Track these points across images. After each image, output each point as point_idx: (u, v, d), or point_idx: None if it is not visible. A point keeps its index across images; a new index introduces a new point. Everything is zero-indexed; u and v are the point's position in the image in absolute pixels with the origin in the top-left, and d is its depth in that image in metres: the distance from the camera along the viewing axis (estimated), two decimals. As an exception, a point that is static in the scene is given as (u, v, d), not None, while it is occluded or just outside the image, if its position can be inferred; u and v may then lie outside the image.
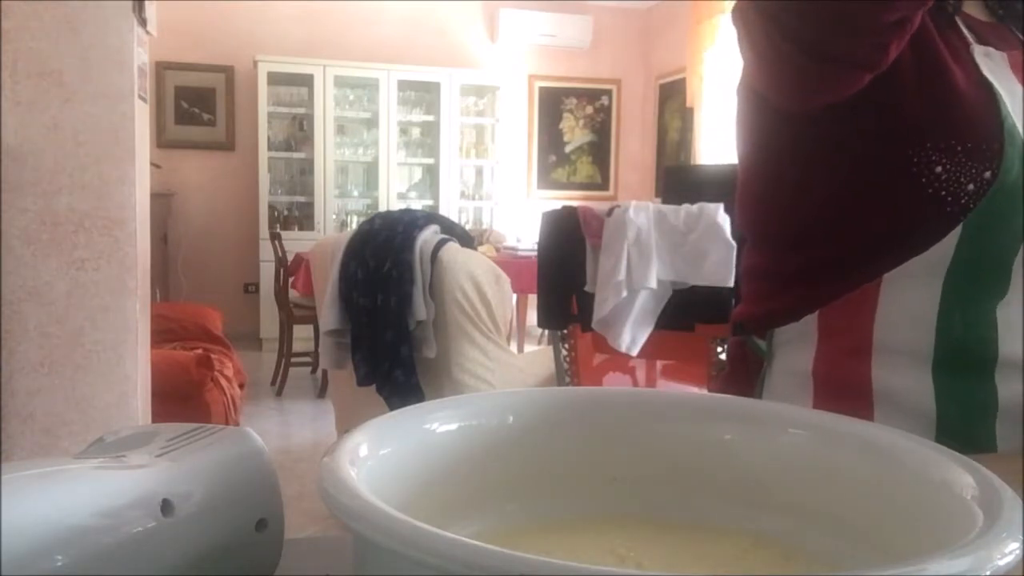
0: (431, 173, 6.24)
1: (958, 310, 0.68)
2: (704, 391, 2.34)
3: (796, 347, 0.77)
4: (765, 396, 0.81)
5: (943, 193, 0.65)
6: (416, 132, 6.29)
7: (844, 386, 0.73)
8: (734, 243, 2.12)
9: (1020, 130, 0.65)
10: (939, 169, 0.65)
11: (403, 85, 5.98)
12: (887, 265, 0.69)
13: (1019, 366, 0.68)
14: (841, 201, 0.72)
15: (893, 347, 0.70)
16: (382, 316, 2.57)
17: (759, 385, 0.82)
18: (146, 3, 2.12)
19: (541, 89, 6.72)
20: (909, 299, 0.69)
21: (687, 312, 2.24)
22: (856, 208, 0.71)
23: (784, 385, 0.78)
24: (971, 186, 0.64)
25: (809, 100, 0.68)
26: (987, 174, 0.64)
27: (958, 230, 0.65)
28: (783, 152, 0.75)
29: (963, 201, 0.64)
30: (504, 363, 2.70)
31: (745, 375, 0.87)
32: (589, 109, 6.86)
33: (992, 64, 0.69)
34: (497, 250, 4.45)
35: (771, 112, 0.73)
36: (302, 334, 4.57)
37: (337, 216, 5.97)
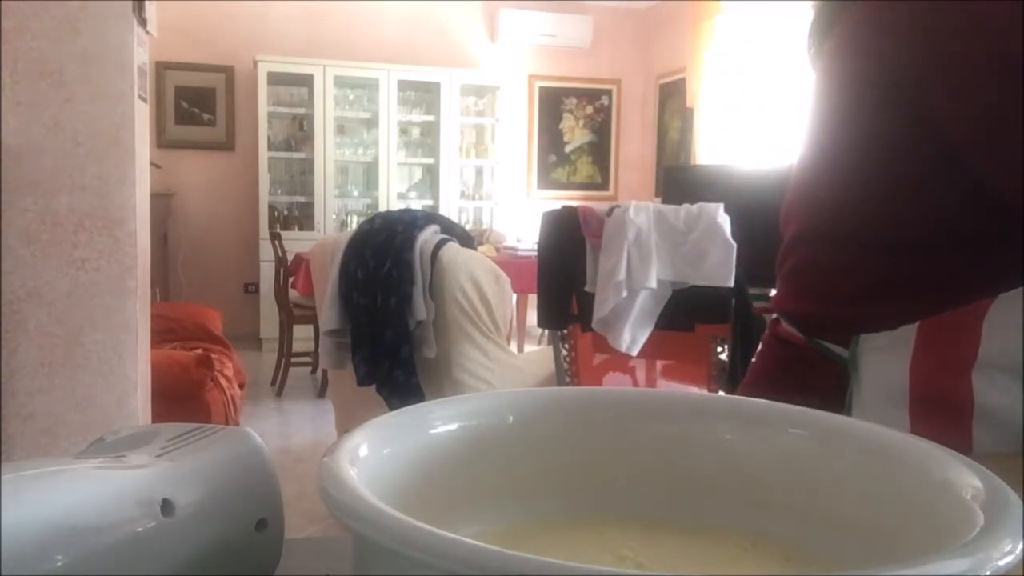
0: (431, 173, 6.24)
1: None
2: (704, 391, 2.35)
3: (888, 356, 0.73)
4: (856, 410, 0.77)
5: None
6: (416, 132, 6.29)
7: (944, 400, 0.70)
8: (734, 243, 2.12)
9: None
10: None
11: (403, 85, 5.98)
12: (1013, 285, 0.66)
13: None
14: (977, 217, 0.69)
15: (996, 362, 0.68)
16: (382, 316, 2.57)
17: (847, 399, 0.78)
18: (146, 3, 2.12)
19: (541, 89, 6.72)
20: (1018, 315, 0.67)
21: (687, 312, 2.24)
22: (995, 224, 0.68)
23: (877, 400, 0.75)
24: None
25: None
26: None
27: None
28: (923, 169, 0.71)
29: None
30: (504, 363, 2.70)
31: (786, 376, 0.83)
32: (589, 109, 6.86)
33: None
34: (497, 250, 4.45)
35: (925, 125, 0.69)
36: (302, 334, 4.57)
37: (337, 216, 5.97)
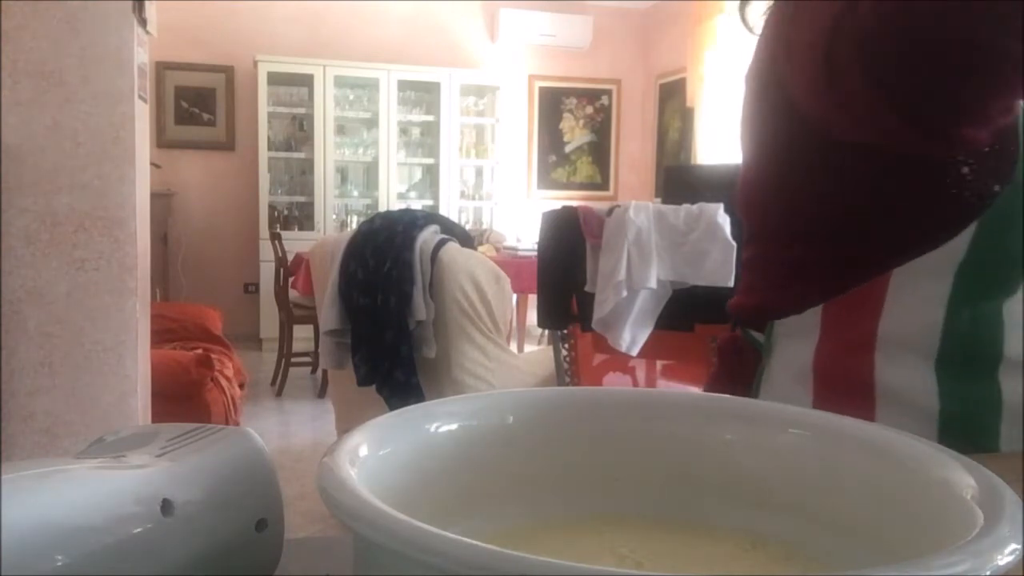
0: (431, 173, 6.24)
1: (967, 307, 0.67)
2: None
3: (797, 340, 0.76)
4: (764, 391, 0.79)
5: (967, 193, 0.64)
6: (416, 132, 6.29)
7: (846, 381, 0.72)
8: (734, 243, 2.12)
9: None
10: (966, 170, 0.64)
11: (403, 85, 5.98)
12: (900, 262, 0.68)
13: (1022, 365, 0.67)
14: (859, 199, 0.71)
15: (898, 342, 0.69)
16: (382, 316, 2.57)
17: (757, 380, 0.81)
18: (146, 3, 2.12)
19: (541, 89, 6.72)
20: (918, 294, 0.68)
21: (687, 312, 2.24)
22: (875, 206, 0.70)
23: (783, 380, 0.77)
24: (997, 186, 0.64)
25: (890, 150, 0.66)
26: (1014, 174, 0.63)
27: (972, 227, 0.65)
28: (802, 152, 0.73)
29: (986, 202, 0.64)
30: (504, 363, 2.70)
31: (739, 370, 0.85)
32: (589, 109, 6.86)
33: None
34: (497, 250, 4.45)
35: (798, 119, 0.71)
36: (302, 334, 4.57)
37: (337, 216, 5.97)
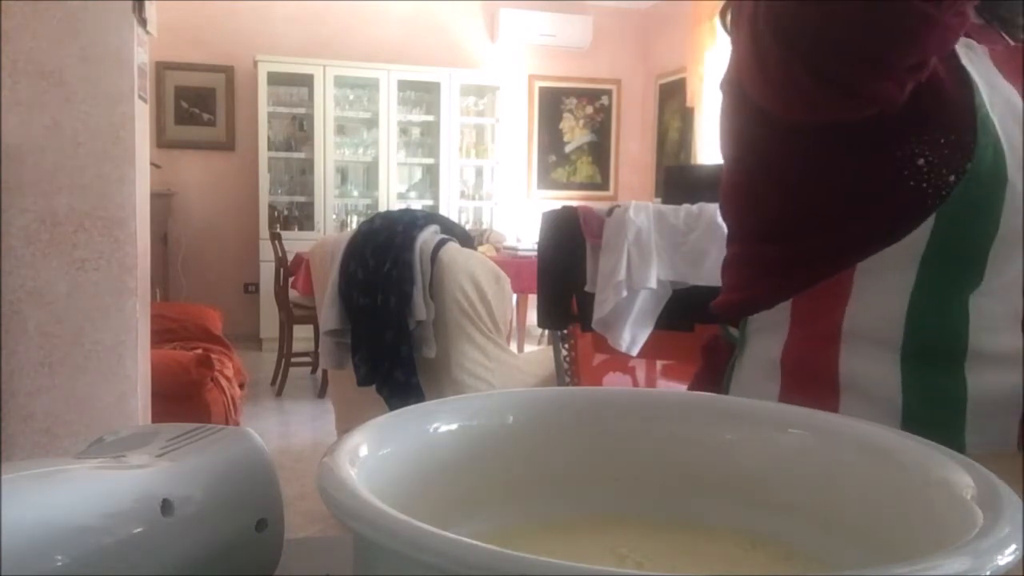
0: (431, 173, 6.24)
1: (931, 300, 0.67)
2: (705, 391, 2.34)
3: (768, 335, 0.77)
4: (733, 384, 0.81)
5: (924, 185, 0.65)
6: (416, 132, 6.29)
7: (811, 374, 0.73)
8: (734, 243, 2.12)
9: (995, 122, 0.66)
10: (921, 162, 0.65)
11: (403, 85, 5.98)
12: (861, 254, 0.69)
13: (990, 359, 0.67)
14: (820, 193, 0.72)
15: (862, 336, 0.70)
16: (382, 316, 2.57)
17: (727, 375, 0.82)
18: (146, 3, 2.12)
19: (541, 89, 6.72)
20: (881, 288, 0.69)
21: (687, 312, 2.24)
22: (835, 200, 0.71)
23: (752, 372, 0.78)
24: (952, 177, 0.64)
25: (812, 119, 0.68)
26: (968, 165, 0.64)
27: (932, 219, 0.65)
28: (765, 148, 0.75)
29: (943, 193, 0.65)
30: (504, 363, 2.70)
31: (720, 369, 0.87)
32: (589, 109, 6.85)
33: (972, 55, 0.69)
34: (497, 250, 4.45)
35: (756, 113, 0.73)
36: (302, 334, 4.57)
37: (337, 216, 5.97)
